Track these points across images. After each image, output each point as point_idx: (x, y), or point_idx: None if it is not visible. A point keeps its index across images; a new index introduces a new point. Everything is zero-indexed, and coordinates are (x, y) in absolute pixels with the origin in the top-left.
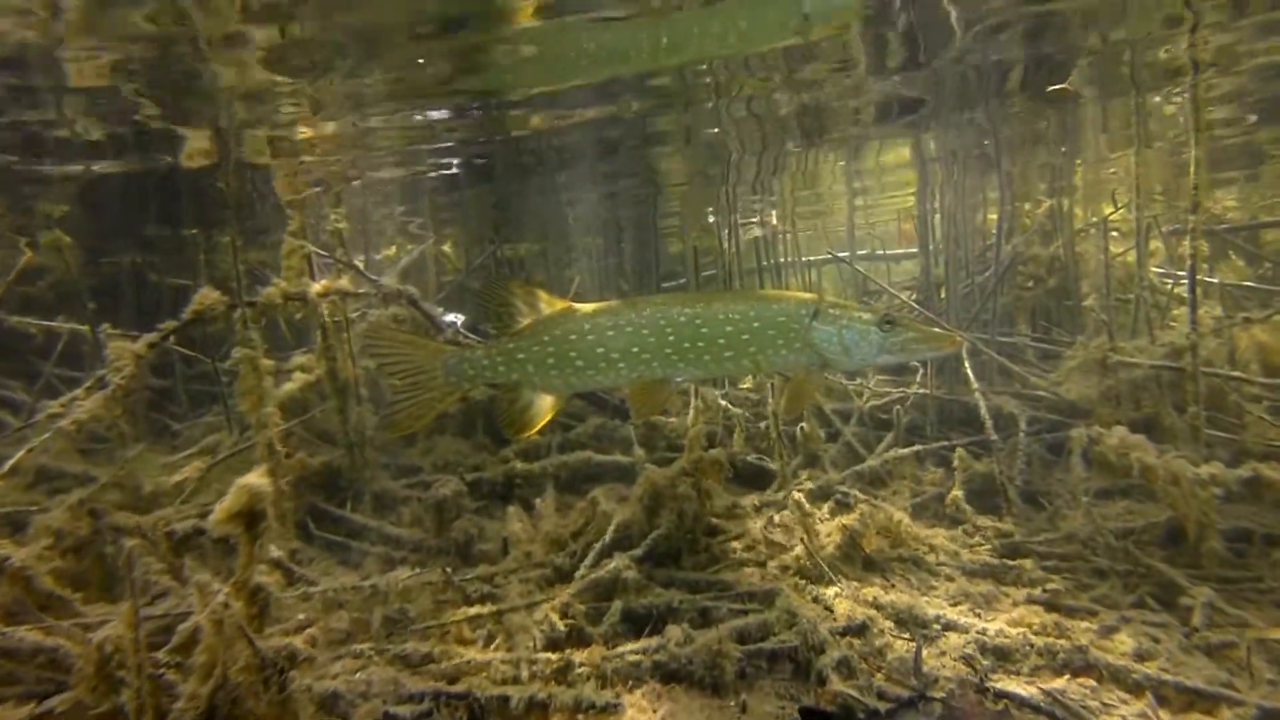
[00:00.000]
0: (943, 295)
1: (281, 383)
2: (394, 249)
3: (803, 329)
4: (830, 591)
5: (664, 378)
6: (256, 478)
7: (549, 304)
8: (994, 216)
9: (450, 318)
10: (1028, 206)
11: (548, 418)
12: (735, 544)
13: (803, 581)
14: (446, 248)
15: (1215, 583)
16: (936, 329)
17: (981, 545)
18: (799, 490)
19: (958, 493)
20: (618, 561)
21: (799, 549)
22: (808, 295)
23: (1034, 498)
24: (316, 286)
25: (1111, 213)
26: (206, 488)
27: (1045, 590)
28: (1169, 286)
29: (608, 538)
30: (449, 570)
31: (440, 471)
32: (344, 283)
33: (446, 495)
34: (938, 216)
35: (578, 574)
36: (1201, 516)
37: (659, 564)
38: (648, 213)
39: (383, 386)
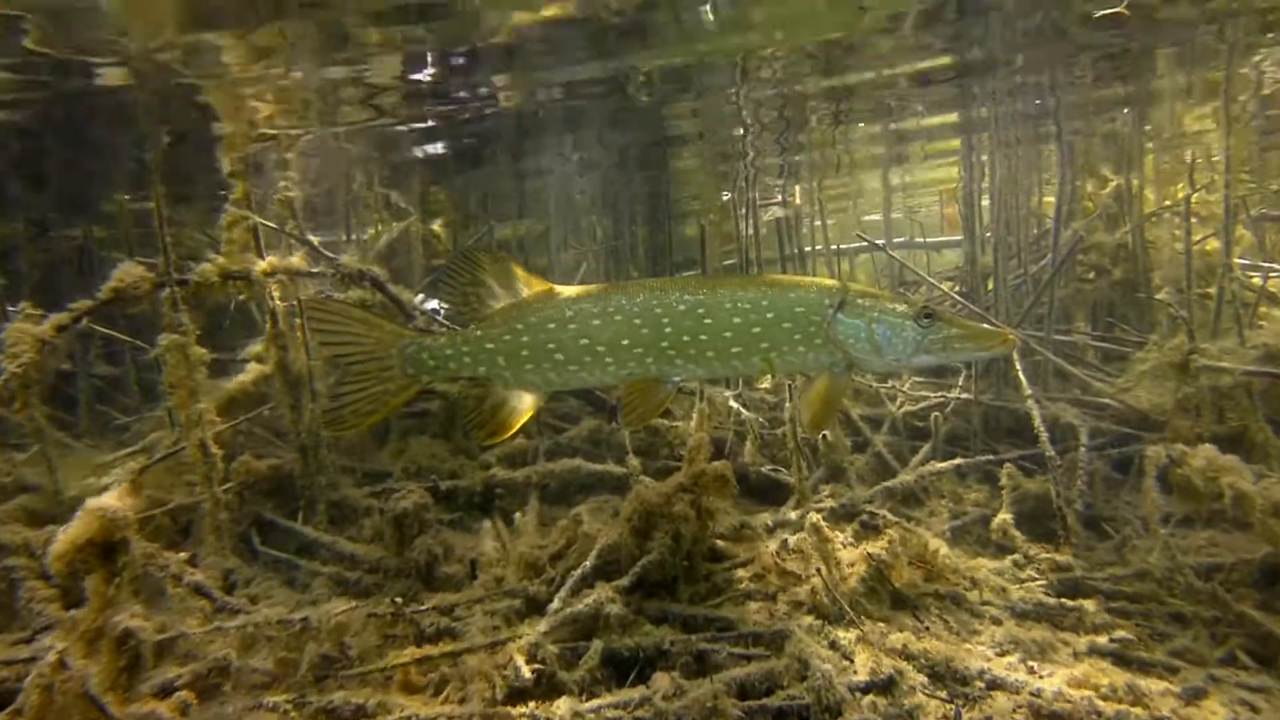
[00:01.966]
0: (989, 287)
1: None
2: (377, 228)
3: (825, 322)
4: (850, 635)
5: (659, 376)
6: (113, 498)
7: (526, 284)
8: (1051, 199)
9: (432, 304)
10: (1089, 188)
11: (522, 420)
12: (742, 572)
13: (818, 622)
14: (436, 227)
15: None
16: (985, 325)
17: (1035, 580)
18: (819, 509)
19: (1006, 516)
20: (600, 593)
21: (816, 581)
22: (831, 282)
23: (1097, 524)
24: (261, 264)
25: (1190, 193)
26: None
27: (1113, 639)
28: (1255, 280)
29: (590, 564)
30: (399, 600)
31: (413, 478)
32: (294, 260)
33: (407, 508)
34: (985, 198)
35: (551, 607)
36: None
37: (650, 595)
38: (661, 188)
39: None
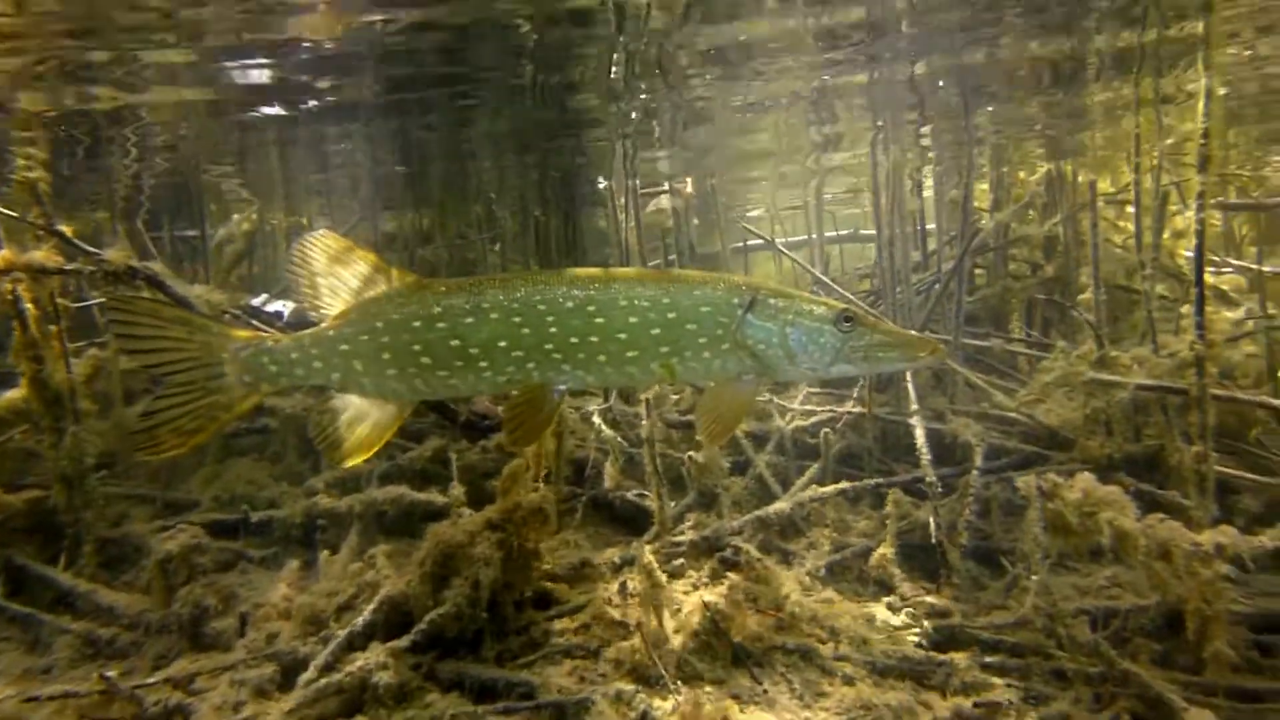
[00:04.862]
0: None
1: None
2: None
3: (733, 323)
4: (666, 705)
5: (543, 383)
6: None
7: (388, 278)
8: (984, 187)
9: (276, 306)
10: (1022, 174)
11: (385, 436)
12: (567, 623)
13: (633, 687)
14: (305, 220)
15: (1226, 698)
16: (913, 332)
17: (908, 628)
18: (675, 542)
19: (887, 550)
20: (372, 656)
21: (637, 637)
22: (743, 279)
23: (993, 558)
24: None
25: (1127, 184)
26: None
27: (979, 704)
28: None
29: (363, 619)
30: (110, 675)
31: (224, 508)
32: (38, 255)
33: (172, 551)
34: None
35: (303, 677)
36: (1204, 605)
37: (448, 654)
38: (573, 174)
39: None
